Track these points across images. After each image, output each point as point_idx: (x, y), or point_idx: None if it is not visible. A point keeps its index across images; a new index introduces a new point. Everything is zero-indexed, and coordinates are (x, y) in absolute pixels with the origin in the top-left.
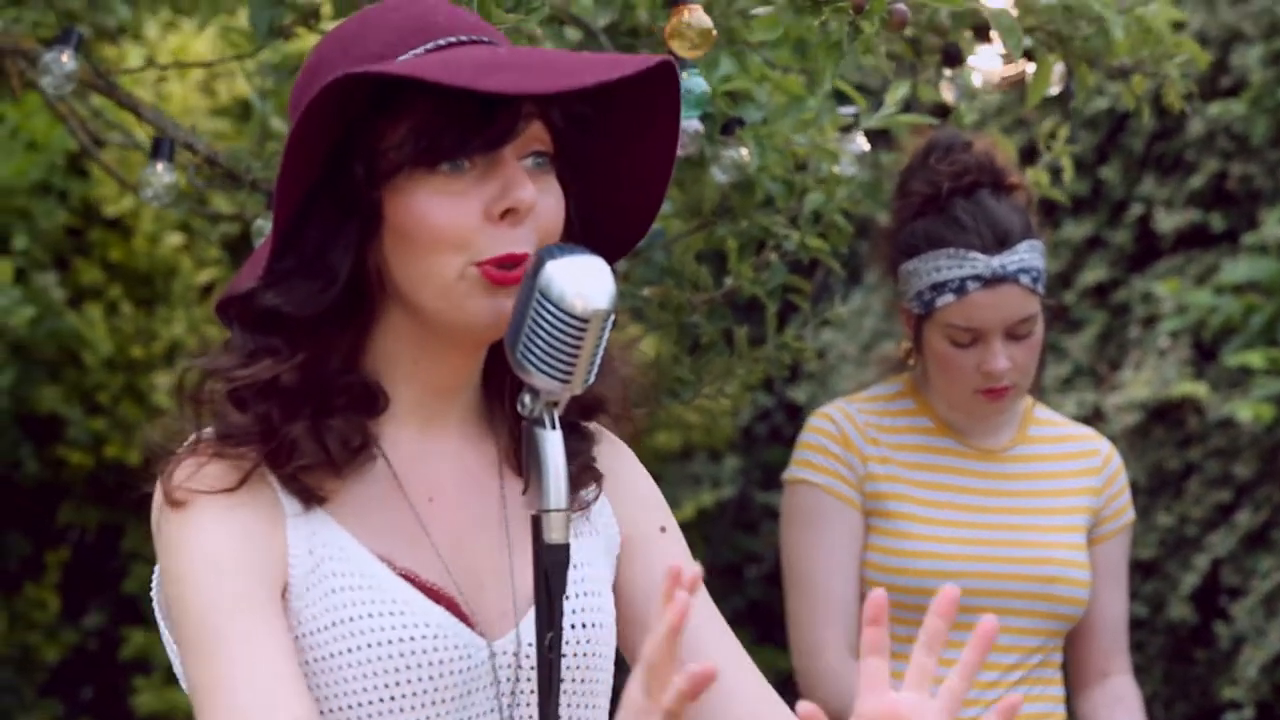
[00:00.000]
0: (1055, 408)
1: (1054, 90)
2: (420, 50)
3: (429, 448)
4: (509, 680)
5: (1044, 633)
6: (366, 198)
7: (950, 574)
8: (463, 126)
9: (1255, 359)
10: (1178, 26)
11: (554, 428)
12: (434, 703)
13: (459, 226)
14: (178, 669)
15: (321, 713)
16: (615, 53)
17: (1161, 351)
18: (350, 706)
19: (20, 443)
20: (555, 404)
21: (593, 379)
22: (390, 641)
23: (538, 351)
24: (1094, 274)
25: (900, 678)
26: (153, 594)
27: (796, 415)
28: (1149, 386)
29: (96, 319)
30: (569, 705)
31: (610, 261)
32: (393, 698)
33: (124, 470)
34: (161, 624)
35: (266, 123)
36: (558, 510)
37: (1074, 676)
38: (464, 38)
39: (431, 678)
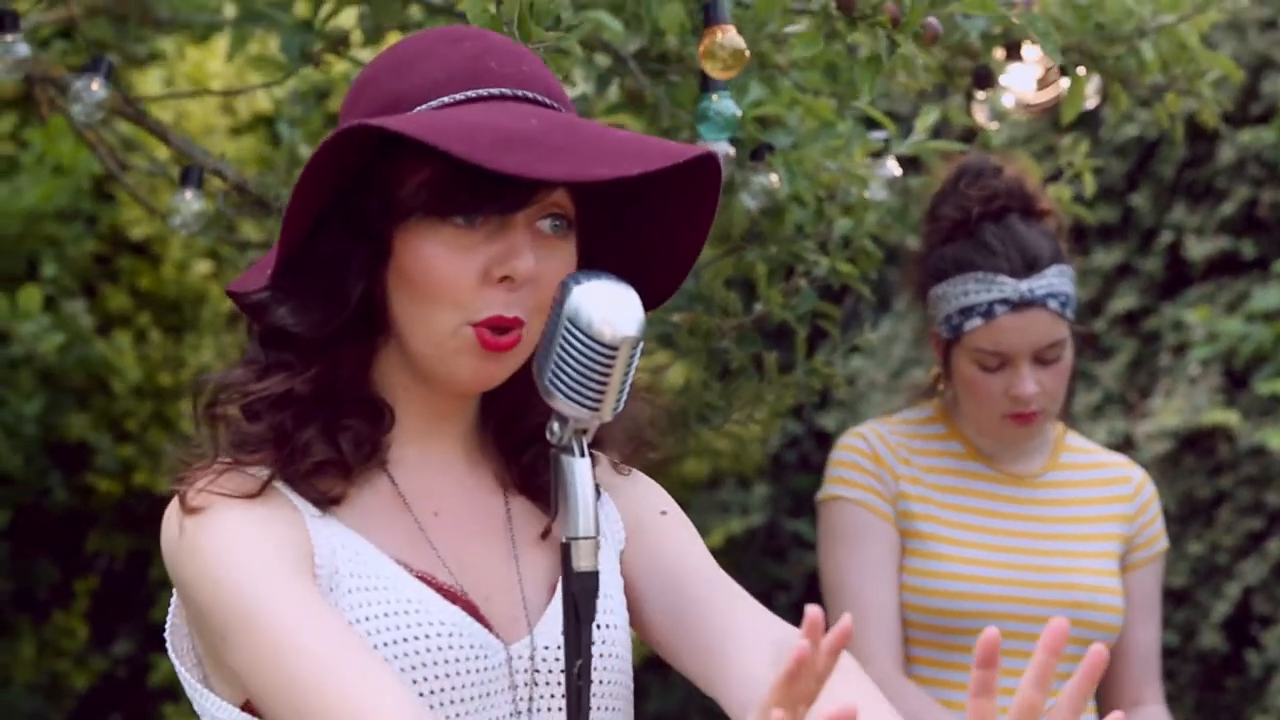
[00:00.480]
0: (1086, 435)
1: (1090, 104)
2: (460, 96)
3: (431, 465)
4: (526, 685)
5: (1075, 659)
6: (378, 229)
7: (981, 598)
8: (478, 189)
9: None
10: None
11: (582, 455)
12: (452, 702)
13: (457, 284)
14: (199, 705)
15: None
16: (644, 79)
17: (1192, 379)
18: None
19: (49, 470)
20: (584, 431)
21: (621, 406)
22: (407, 640)
23: (566, 379)
24: (1124, 301)
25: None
26: (167, 633)
27: (826, 442)
28: (1180, 414)
29: (125, 346)
30: (590, 708)
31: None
32: None
33: (152, 497)
34: (176, 662)
35: (295, 150)
36: (586, 537)
37: (1106, 705)
38: (509, 91)
39: (449, 675)
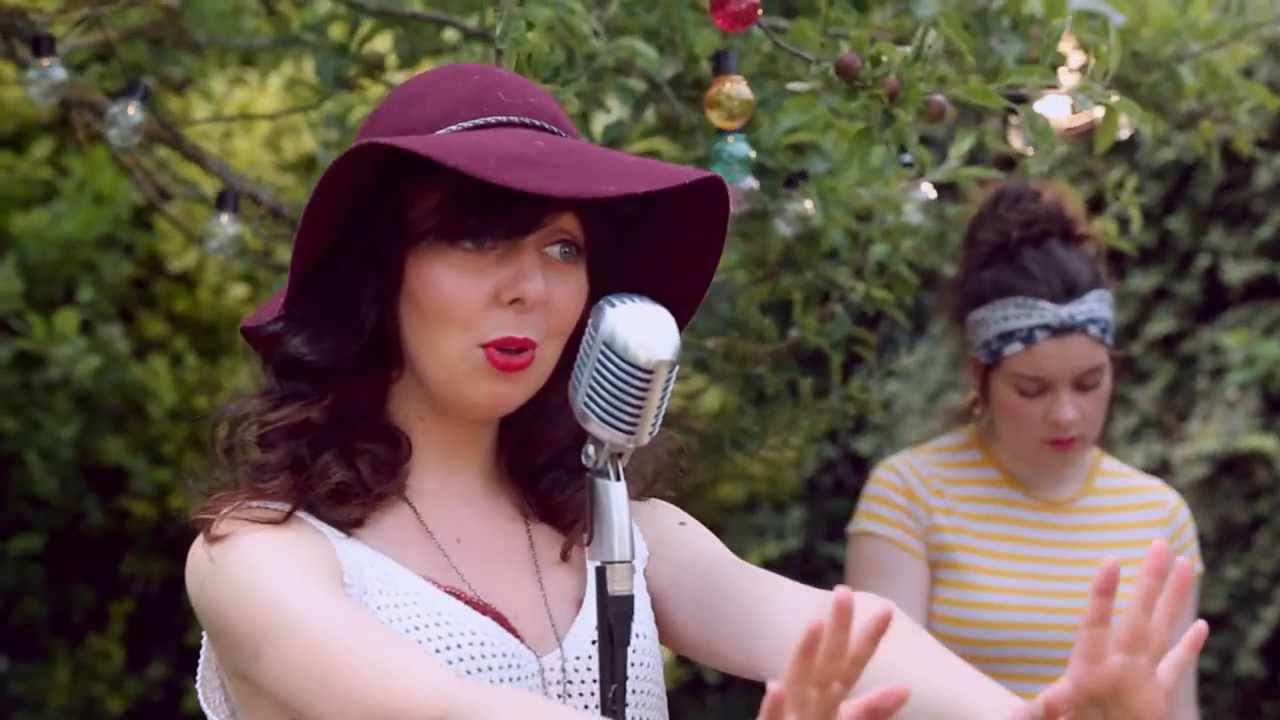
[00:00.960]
0: (1123, 459)
1: (1124, 134)
2: (469, 124)
3: (451, 495)
4: (560, 696)
5: None
6: (389, 255)
7: (1017, 625)
8: (487, 211)
9: None
10: (1246, 74)
11: (618, 479)
12: None
13: (467, 305)
14: None
15: None
16: (679, 105)
17: (1230, 403)
18: None
19: (85, 494)
20: (619, 455)
21: (657, 430)
22: (439, 651)
23: (601, 402)
24: (1161, 325)
25: None
26: (199, 684)
27: (861, 467)
28: (1217, 439)
29: (161, 370)
30: None
31: None
32: None
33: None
34: (210, 713)
35: None
36: (622, 562)
37: None
38: (516, 119)
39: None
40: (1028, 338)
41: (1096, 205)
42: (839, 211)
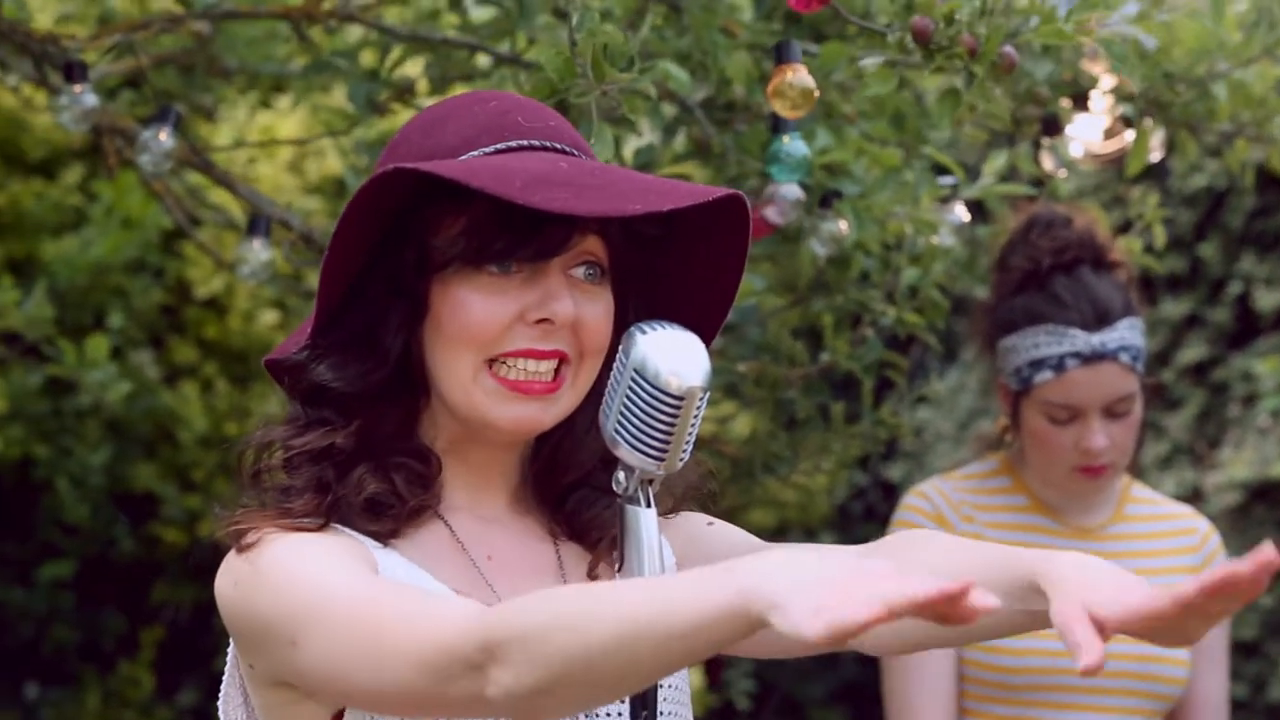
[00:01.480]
0: (1154, 487)
1: (1155, 157)
2: (490, 149)
3: (482, 515)
4: (585, 717)
5: (1143, 712)
6: (415, 283)
7: (1047, 652)
8: (512, 234)
9: None
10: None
11: (648, 505)
12: None
13: (491, 326)
14: None
15: None
16: (710, 128)
17: (1261, 430)
18: None
19: (115, 520)
20: (650, 482)
21: (688, 456)
22: None
23: (631, 429)
24: (1193, 352)
25: None
26: (220, 702)
27: (892, 493)
28: (1249, 466)
29: (191, 396)
30: None
31: None
32: None
33: (218, 548)
34: None
35: None
36: None
37: None
38: (537, 142)
39: None
40: (1058, 365)
41: (1126, 230)
42: (873, 231)
